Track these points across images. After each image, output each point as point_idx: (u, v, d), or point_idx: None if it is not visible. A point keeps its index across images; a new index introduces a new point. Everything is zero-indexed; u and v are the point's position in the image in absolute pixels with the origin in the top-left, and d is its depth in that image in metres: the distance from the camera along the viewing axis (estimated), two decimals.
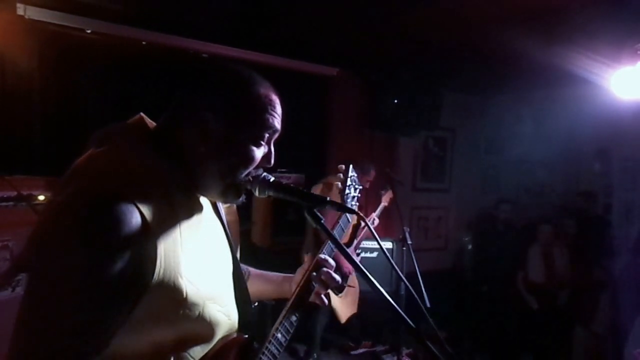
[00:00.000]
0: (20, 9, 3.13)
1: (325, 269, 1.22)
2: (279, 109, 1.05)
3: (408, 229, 3.18)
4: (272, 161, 1.08)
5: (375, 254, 4.24)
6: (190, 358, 0.97)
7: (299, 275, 1.27)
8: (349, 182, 1.49)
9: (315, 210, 1.01)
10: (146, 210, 0.85)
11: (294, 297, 1.20)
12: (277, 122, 1.04)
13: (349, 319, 3.79)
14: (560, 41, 3.42)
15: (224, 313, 1.03)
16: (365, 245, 4.19)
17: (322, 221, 0.99)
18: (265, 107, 1.01)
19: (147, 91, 3.62)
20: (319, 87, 4.68)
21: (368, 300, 3.95)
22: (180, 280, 0.90)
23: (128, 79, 3.61)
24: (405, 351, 4.04)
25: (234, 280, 1.13)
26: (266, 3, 3.21)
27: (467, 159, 5.97)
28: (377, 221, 3.89)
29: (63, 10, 3.27)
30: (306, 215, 1.01)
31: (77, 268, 0.80)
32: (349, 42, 4.03)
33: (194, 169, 0.98)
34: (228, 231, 1.16)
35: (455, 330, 4.44)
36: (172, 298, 0.90)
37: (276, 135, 1.07)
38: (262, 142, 1.03)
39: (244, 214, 4.28)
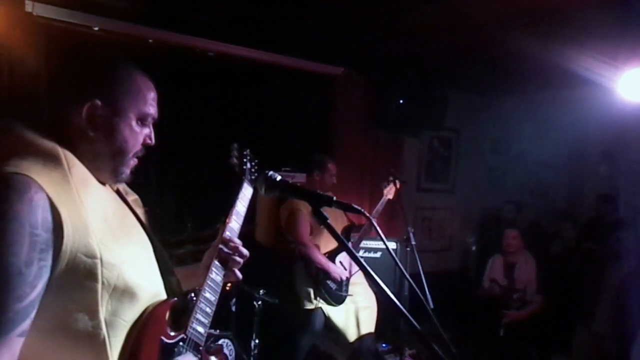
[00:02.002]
0: (29, 6, 3.14)
1: (231, 245, 1.35)
2: (155, 94, 1.18)
3: (412, 230, 3.17)
4: (153, 139, 1.18)
5: (378, 254, 4.23)
6: (122, 322, 1.02)
7: (207, 259, 1.38)
8: (244, 160, 1.70)
9: (321, 209, 1.02)
10: (49, 187, 0.93)
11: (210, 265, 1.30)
12: (155, 106, 1.18)
13: (360, 339, 3.65)
14: (567, 42, 3.41)
15: (144, 278, 1.08)
16: (369, 245, 4.19)
17: (328, 220, 1.00)
18: (148, 95, 1.15)
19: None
20: (324, 86, 4.68)
21: None
22: (91, 241, 0.96)
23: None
24: (408, 352, 4.04)
25: (155, 255, 1.18)
26: (272, 2, 3.22)
27: (472, 159, 5.95)
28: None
29: (70, 7, 3.29)
30: (312, 214, 1.02)
31: None
32: (354, 41, 4.03)
33: (85, 154, 1.06)
34: (141, 217, 1.24)
35: (459, 331, 4.44)
36: (88, 260, 0.95)
37: (154, 117, 1.18)
38: (145, 123, 1.15)
39: (247, 214, 4.29)
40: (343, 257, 3.66)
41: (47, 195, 0.92)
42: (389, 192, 3.78)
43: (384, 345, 4.39)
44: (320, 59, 4.44)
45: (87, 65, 1.11)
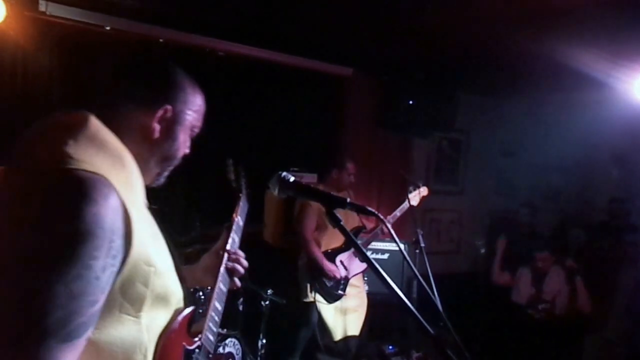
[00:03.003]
0: (42, 6, 3.17)
1: (234, 257, 1.44)
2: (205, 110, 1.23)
3: (421, 232, 3.16)
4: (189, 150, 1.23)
5: (386, 256, 4.23)
6: (157, 327, 1.05)
7: (208, 260, 1.47)
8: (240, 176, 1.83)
9: (334, 211, 1.02)
10: (120, 189, 0.92)
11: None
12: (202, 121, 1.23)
13: (345, 339, 3.72)
14: (579, 44, 3.38)
15: (174, 285, 1.11)
16: (376, 247, 4.18)
17: (342, 222, 1.00)
18: (202, 109, 1.20)
19: None
20: (334, 87, 4.68)
21: (377, 302, 3.94)
22: (149, 249, 0.97)
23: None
24: (415, 354, 4.02)
25: (172, 260, 1.20)
26: (282, 2, 3.22)
27: (481, 161, 5.92)
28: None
29: (83, 7, 3.32)
30: (325, 216, 1.02)
31: (62, 243, 0.84)
32: (364, 42, 4.02)
33: (142, 155, 1.08)
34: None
35: (467, 334, 4.41)
36: (146, 267, 0.96)
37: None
38: (192, 134, 1.20)
39: (255, 214, 4.31)
40: (345, 257, 3.69)
41: (121, 200, 0.91)
42: (414, 199, 3.76)
43: (390, 347, 4.38)
44: (330, 59, 4.44)
45: (165, 71, 1.14)
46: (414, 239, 3.22)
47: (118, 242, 0.89)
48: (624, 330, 3.94)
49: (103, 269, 0.86)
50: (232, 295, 3.60)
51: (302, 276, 3.70)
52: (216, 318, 1.29)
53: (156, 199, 1.39)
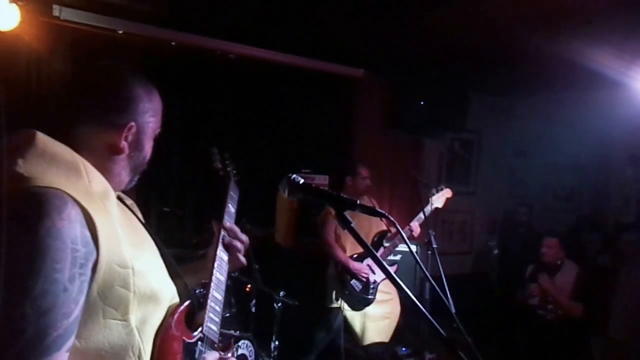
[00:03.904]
0: (56, 11, 3.22)
1: (231, 233, 1.44)
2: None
3: (434, 233, 3.14)
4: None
5: (398, 257, 4.20)
6: (149, 327, 1.05)
7: (212, 251, 1.42)
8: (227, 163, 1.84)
9: (344, 213, 1.02)
10: (79, 198, 0.92)
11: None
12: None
13: (373, 345, 3.67)
14: (592, 42, 3.34)
15: (163, 283, 1.11)
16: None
17: (352, 224, 1.00)
18: (159, 108, 1.20)
19: (176, 90, 3.69)
20: (345, 88, 4.68)
21: None
22: (123, 251, 0.97)
23: (157, 78, 3.67)
24: (428, 356, 4.00)
25: (162, 259, 1.19)
26: (293, 4, 3.23)
27: (493, 161, 5.88)
28: (418, 230, 3.59)
29: (96, 11, 3.35)
30: (336, 218, 1.02)
31: (29, 256, 0.84)
32: (375, 43, 4.01)
33: (110, 166, 1.10)
34: (142, 221, 1.25)
35: (479, 335, 4.38)
36: (122, 270, 0.96)
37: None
38: (154, 137, 1.21)
39: (267, 216, 4.32)
40: (372, 261, 3.65)
41: (81, 208, 0.92)
42: (437, 201, 3.69)
43: (403, 349, 4.36)
44: (341, 60, 4.44)
45: (121, 87, 1.12)
46: (426, 240, 3.20)
47: (83, 250, 0.89)
48: (630, 330, 3.87)
49: (70, 279, 0.87)
50: (244, 297, 3.61)
51: (330, 281, 3.69)
52: (217, 308, 1.28)
53: (168, 203, 1.41)
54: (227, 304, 3.14)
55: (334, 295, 3.61)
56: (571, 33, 3.29)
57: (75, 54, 3.38)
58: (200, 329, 1.19)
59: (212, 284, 1.30)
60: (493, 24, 3.34)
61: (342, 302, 3.58)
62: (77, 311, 0.89)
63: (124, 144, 1.10)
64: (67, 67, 3.35)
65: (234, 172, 1.84)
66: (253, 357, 3.24)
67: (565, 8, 2.96)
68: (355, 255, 3.64)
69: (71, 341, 0.88)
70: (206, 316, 1.22)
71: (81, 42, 3.37)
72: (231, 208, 1.59)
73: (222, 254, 1.39)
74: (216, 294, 1.30)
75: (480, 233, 5.84)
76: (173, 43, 3.70)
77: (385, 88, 4.89)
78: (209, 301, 1.26)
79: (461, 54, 4.16)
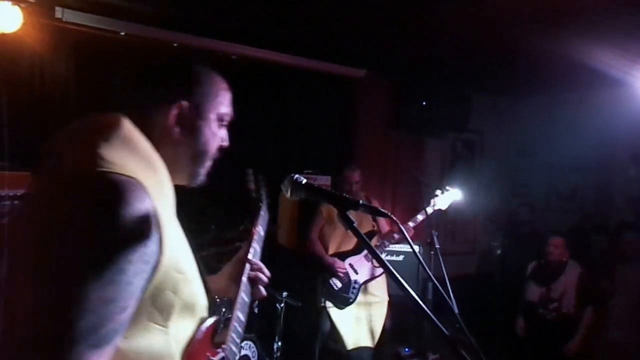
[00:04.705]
0: (59, 12, 3.22)
1: (256, 266, 1.44)
2: (230, 95, 1.19)
3: (436, 233, 3.14)
4: (227, 141, 1.19)
5: (401, 257, 4.20)
6: (183, 337, 1.01)
7: (230, 268, 1.45)
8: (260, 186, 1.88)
9: (347, 213, 1.02)
10: (152, 193, 0.89)
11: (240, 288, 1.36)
12: (231, 107, 1.18)
13: (358, 349, 3.67)
14: (594, 42, 3.34)
15: (201, 293, 1.07)
16: (391, 249, 4.15)
17: (355, 225, 1.00)
18: (226, 96, 1.15)
19: None
20: (347, 88, 4.68)
21: (392, 304, 3.92)
22: (180, 255, 0.95)
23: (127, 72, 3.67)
24: (431, 356, 3.99)
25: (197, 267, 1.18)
26: (294, 4, 3.23)
27: (496, 162, 5.87)
28: (412, 231, 3.54)
29: (98, 13, 3.36)
30: (338, 218, 1.02)
31: (96, 247, 0.81)
32: (377, 43, 4.01)
33: (167, 156, 1.03)
34: None
35: (483, 335, 4.37)
36: (177, 275, 0.93)
37: (231, 118, 1.19)
38: (222, 125, 1.15)
39: (270, 217, 4.31)
40: (355, 260, 3.66)
41: (153, 205, 0.88)
42: (441, 202, 3.64)
43: (406, 349, 4.36)
44: (343, 61, 4.45)
45: (173, 66, 1.11)
46: (428, 240, 3.20)
47: (151, 248, 0.86)
48: (630, 331, 3.86)
49: (135, 274, 0.84)
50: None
51: (318, 282, 3.70)
52: (239, 329, 1.28)
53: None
54: (229, 307, 3.14)
55: (320, 295, 3.63)
56: (573, 33, 3.29)
57: (78, 56, 3.39)
58: (222, 348, 1.17)
59: (237, 305, 1.30)
60: (495, 24, 3.34)
61: (326, 301, 3.59)
62: (132, 307, 0.85)
63: (173, 124, 1.04)
64: (69, 68, 3.36)
65: (267, 195, 1.85)
66: (256, 357, 3.24)
67: (566, 8, 2.96)
68: (339, 253, 3.66)
69: (120, 337, 0.85)
70: (229, 336, 1.21)
71: (83, 44, 3.38)
72: (261, 232, 1.60)
73: (244, 293, 1.39)
74: (240, 315, 1.30)
75: (482, 233, 5.83)
76: (175, 44, 3.71)
77: (387, 88, 4.89)
78: (233, 321, 1.25)
79: (463, 54, 4.16)
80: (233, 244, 3.04)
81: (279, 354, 3.45)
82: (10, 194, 2.57)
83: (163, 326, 0.94)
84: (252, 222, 1.65)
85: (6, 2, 2.87)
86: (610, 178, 5.10)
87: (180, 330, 0.99)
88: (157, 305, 0.92)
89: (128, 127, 0.97)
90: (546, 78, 4.65)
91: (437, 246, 3.09)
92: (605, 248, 4.71)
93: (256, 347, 3.26)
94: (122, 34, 3.50)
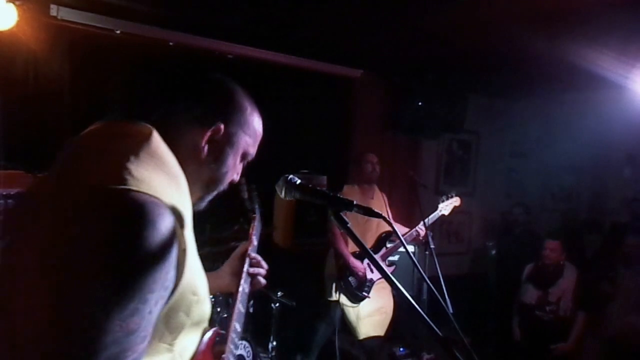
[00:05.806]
0: (54, 10, 3.21)
1: (254, 261, 1.49)
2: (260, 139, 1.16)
3: (431, 233, 3.15)
4: (239, 177, 1.16)
5: (396, 257, 4.20)
6: (188, 352, 0.99)
7: (228, 267, 1.50)
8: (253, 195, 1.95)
9: (341, 213, 1.01)
10: (172, 210, 0.85)
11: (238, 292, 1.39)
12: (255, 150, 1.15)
13: (367, 339, 3.71)
14: (590, 43, 3.35)
15: (209, 307, 1.05)
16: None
17: (349, 225, 0.99)
18: (258, 134, 1.13)
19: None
20: (343, 88, 4.68)
21: None
22: (196, 277, 0.92)
23: (155, 78, 3.67)
24: (426, 356, 4.01)
25: None
26: (291, 4, 3.23)
27: (491, 162, 5.89)
28: (424, 232, 3.53)
29: (93, 11, 3.35)
30: (332, 218, 1.02)
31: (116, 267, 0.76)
32: (373, 44, 4.01)
33: (190, 171, 0.98)
34: None
35: (477, 335, 4.38)
36: (192, 297, 0.90)
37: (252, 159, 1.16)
38: (243, 161, 1.12)
39: (265, 217, 4.30)
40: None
41: (175, 226, 0.83)
42: (446, 208, 3.76)
43: (401, 349, 4.36)
44: (339, 61, 4.44)
45: (223, 87, 1.07)
46: (423, 241, 3.21)
47: (172, 273, 0.82)
48: (628, 331, 3.88)
49: (156, 302, 0.80)
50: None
51: (328, 274, 3.74)
52: (236, 340, 1.29)
53: None
54: (224, 306, 3.14)
55: (333, 288, 3.64)
56: (568, 34, 3.29)
57: (73, 54, 3.37)
58: (222, 358, 1.18)
59: (234, 316, 1.31)
60: (491, 25, 3.34)
61: (341, 295, 3.61)
62: (150, 335, 0.81)
63: (204, 145, 1.00)
64: (64, 67, 3.34)
65: (259, 205, 1.89)
66: (251, 357, 3.24)
67: (562, 9, 2.96)
68: (357, 252, 3.68)
69: None
70: (227, 347, 1.21)
71: (79, 42, 3.37)
72: (255, 241, 1.62)
73: (245, 285, 1.41)
74: (237, 326, 1.32)
75: (477, 234, 5.84)
76: (171, 43, 3.70)
77: (383, 89, 4.89)
78: (230, 332, 1.25)
79: (459, 55, 4.16)
80: (228, 243, 3.04)
81: (273, 353, 3.45)
82: (4, 193, 2.55)
83: (169, 345, 0.91)
84: (248, 224, 1.69)
85: None
86: (605, 179, 5.12)
87: (186, 346, 0.97)
88: (169, 326, 0.89)
89: (157, 140, 0.92)
90: (541, 79, 4.66)
91: (432, 246, 3.11)
92: (600, 249, 4.73)
93: (251, 347, 3.26)
94: (118, 32, 3.49)
